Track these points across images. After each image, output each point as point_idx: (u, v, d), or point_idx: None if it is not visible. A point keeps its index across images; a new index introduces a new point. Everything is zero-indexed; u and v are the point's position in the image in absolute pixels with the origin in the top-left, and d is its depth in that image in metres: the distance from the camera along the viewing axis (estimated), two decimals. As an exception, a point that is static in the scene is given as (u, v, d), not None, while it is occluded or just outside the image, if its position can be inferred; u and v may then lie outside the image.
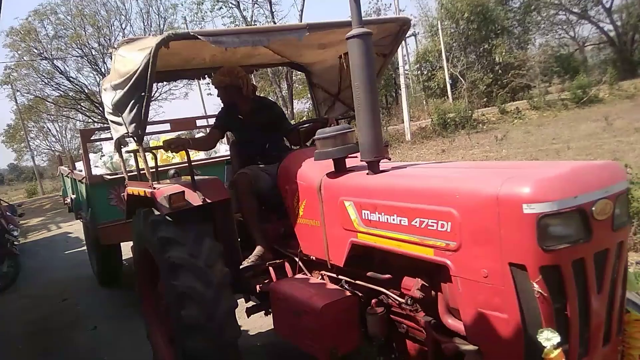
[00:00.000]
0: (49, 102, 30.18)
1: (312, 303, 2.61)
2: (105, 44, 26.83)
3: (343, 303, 2.61)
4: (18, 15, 28.70)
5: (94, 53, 26.72)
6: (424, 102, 36.86)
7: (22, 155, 40.43)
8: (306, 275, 3.20)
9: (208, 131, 4.33)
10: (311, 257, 3.13)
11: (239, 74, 3.80)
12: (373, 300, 2.59)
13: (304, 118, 24.15)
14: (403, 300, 2.38)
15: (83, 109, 27.64)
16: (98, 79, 27.80)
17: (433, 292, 2.27)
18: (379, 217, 2.36)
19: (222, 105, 4.01)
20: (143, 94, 3.14)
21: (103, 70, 27.11)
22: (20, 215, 10.04)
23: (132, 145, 3.80)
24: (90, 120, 28.79)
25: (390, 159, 3.00)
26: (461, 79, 31.59)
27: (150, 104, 3.21)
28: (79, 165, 6.90)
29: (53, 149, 38.74)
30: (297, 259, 3.26)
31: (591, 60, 40.64)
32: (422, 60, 38.06)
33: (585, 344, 1.86)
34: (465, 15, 31.87)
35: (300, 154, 3.29)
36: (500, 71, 31.27)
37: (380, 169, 2.52)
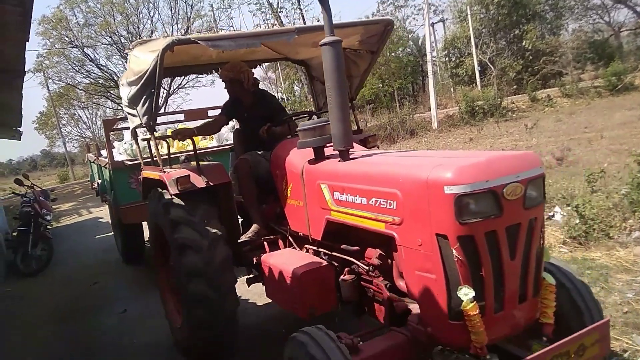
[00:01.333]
0: (79, 89, 30.75)
1: (294, 271, 3.06)
2: (134, 31, 27.12)
3: (320, 271, 3.08)
4: (50, 3, 29.30)
5: (122, 41, 27.04)
6: (452, 90, 36.34)
7: (54, 142, 41.49)
8: (294, 248, 3.67)
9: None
10: (298, 233, 3.59)
11: (242, 69, 4.24)
12: (346, 269, 3.05)
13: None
14: (367, 268, 2.90)
15: (112, 96, 28.03)
16: (126, 67, 28.12)
17: (389, 260, 2.75)
18: (346, 198, 2.85)
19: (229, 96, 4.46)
20: (153, 90, 3.62)
21: (132, 58, 27.40)
22: (52, 200, 10.31)
23: (146, 134, 4.24)
24: (119, 107, 29.26)
25: (378, 147, 3.80)
26: (490, 65, 30.91)
27: (161, 97, 3.61)
28: (104, 152, 7.34)
29: (84, 135, 39.62)
30: (287, 235, 3.75)
31: (627, 46, 39.14)
32: (450, 47, 37.36)
33: (501, 301, 2.27)
34: (496, 0, 31.08)
35: (288, 143, 3.72)
36: (531, 58, 30.46)
37: (350, 156, 2.98)
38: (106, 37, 26.81)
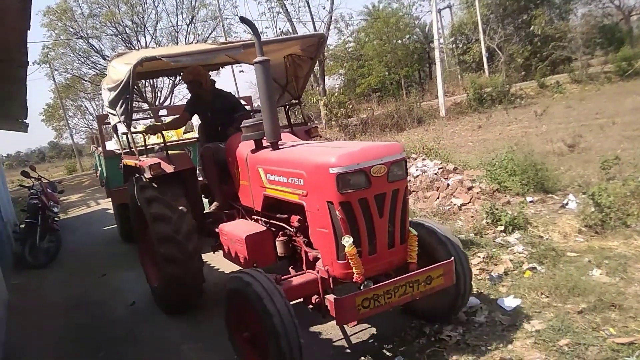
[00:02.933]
0: (85, 80, 30.68)
1: (240, 235, 3.94)
2: (139, 22, 26.97)
3: (260, 234, 3.94)
4: (54, -6, 29.17)
5: (127, 31, 26.92)
6: (459, 77, 35.96)
7: (62, 134, 41.49)
8: (246, 219, 4.59)
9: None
10: (247, 206, 4.50)
11: (200, 72, 5.05)
12: (280, 232, 3.97)
13: (335, 94, 23.86)
14: (292, 230, 3.82)
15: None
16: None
17: (305, 223, 3.56)
18: (274, 178, 3.79)
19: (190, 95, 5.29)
20: (128, 95, 4.57)
21: (137, 48, 27.32)
22: (60, 192, 10.29)
23: (124, 129, 5.08)
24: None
25: (320, 137, 5.09)
26: (498, 51, 30.51)
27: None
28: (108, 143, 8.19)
29: (90, 126, 39.56)
30: (240, 209, 4.66)
31: (637, 30, 38.40)
32: (457, 33, 36.93)
33: (374, 246, 3.24)
34: (504, -16, 30.62)
35: (237, 136, 4.43)
36: (539, 43, 30.00)
37: (280, 147, 3.89)
38: (111, 28, 26.69)
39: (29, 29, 3.09)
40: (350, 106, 21.42)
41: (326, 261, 3.34)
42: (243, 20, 3.97)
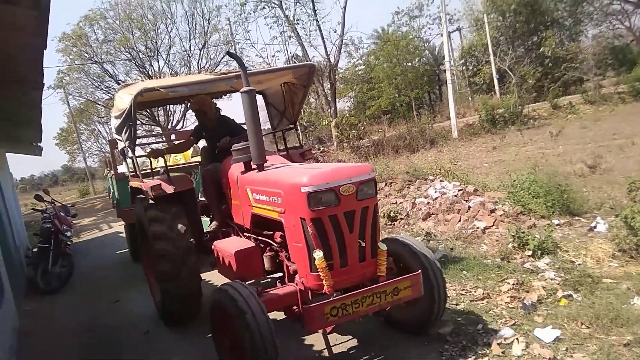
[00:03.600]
0: (99, 105, 31.02)
1: (230, 250, 4.20)
2: (152, 46, 27.32)
3: (248, 250, 4.18)
4: (70, 21, 29.58)
5: (141, 56, 27.25)
6: (470, 98, 35.89)
7: (75, 157, 41.69)
8: (239, 237, 4.82)
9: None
10: (239, 224, 4.77)
11: (205, 102, 5.46)
12: (267, 248, 4.22)
13: (346, 116, 23.84)
14: (276, 246, 4.08)
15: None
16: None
17: (286, 239, 3.77)
18: (259, 197, 4.07)
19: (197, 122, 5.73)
20: (131, 123, 4.95)
21: (150, 73, 27.63)
22: (73, 215, 10.23)
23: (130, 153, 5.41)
24: (138, 122, 29.40)
25: (315, 159, 5.75)
26: (510, 73, 30.46)
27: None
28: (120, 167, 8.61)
29: (103, 150, 39.77)
30: (235, 227, 4.95)
31: (649, 51, 38.37)
32: (467, 55, 37.01)
33: (345, 260, 3.47)
34: (513, 7, 30.69)
35: (230, 159, 4.61)
36: (550, 65, 29.92)
37: (266, 168, 4.19)
38: (125, 53, 27.05)
39: (45, 49, 3.00)
40: (362, 127, 21.34)
41: (301, 273, 3.62)
42: (230, 54, 4.52)
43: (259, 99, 5.54)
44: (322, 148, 20.86)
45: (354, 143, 20.38)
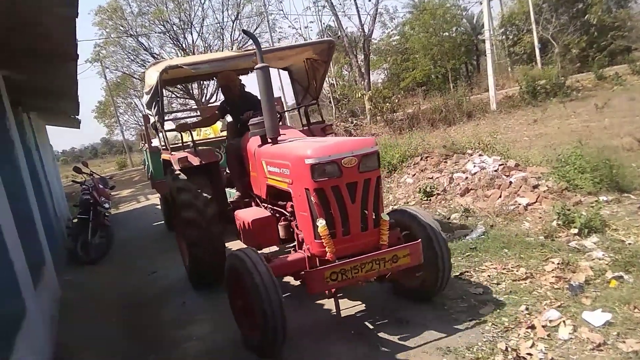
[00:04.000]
0: (135, 78, 31.39)
1: (248, 219, 4.50)
2: (186, 19, 27.30)
3: (264, 219, 4.47)
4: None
5: (175, 29, 27.31)
6: (509, 69, 34.67)
7: (113, 130, 42.55)
8: (258, 206, 5.10)
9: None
10: (258, 195, 5.06)
11: (230, 78, 5.68)
12: (282, 217, 4.44)
13: (384, 89, 23.40)
14: (289, 215, 4.28)
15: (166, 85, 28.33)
16: (180, 55, 28.45)
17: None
18: (272, 169, 4.28)
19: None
20: (158, 98, 5.49)
21: (184, 46, 27.71)
22: (111, 187, 10.40)
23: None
24: (173, 95, 29.67)
25: (334, 134, 6.37)
26: (552, 42, 29.15)
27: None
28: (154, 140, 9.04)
29: (140, 123, 40.41)
30: (255, 197, 5.23)
31: None
32: (507, 24, 35.60)
33: (348, 229, 3.62)
34: (557, -28, 29.23)
35: (249, 134, 4.90)
36: (596, 33, 28.49)
37: (279, 142, 4.38)
38: (159, 26, 27.15)
39: (76, 17, 2.92)
40: (397, 100, 20.90)
41: (307, 241, 3.84)
42: (245, 32, 4.79)
43: (285, 75, 6.31)
44: (355, 121, 20.49)
45: (387, 116, 20.02)
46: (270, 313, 3.30)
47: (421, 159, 9.06)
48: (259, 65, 4.19)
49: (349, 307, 4.39)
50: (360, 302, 4.45)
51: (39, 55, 4.15)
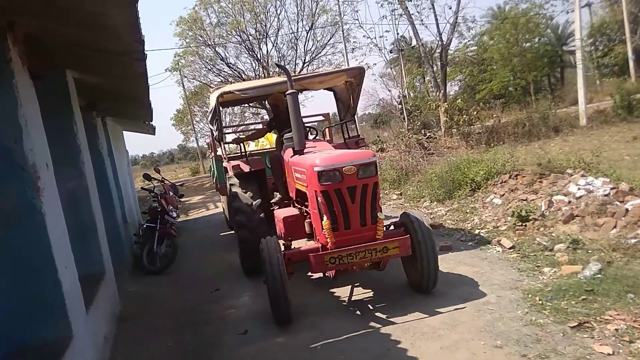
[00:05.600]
0: (211, 87, 32.06)
1: (280, 217, 5.53)
2: (261, 30, 27.52)
3: (293, 217, 5.41)
4: (187, 4, 30.91)
5: (250, 39, 27.59)
6: (597, 82, 32.25)
7: (189, 137, 43.94)
8: (293, 207, 5.90)
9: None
10: (291, 197, 5.91)
11: (278, 99, 6.70)
12: (308, 215, 5.19)
13: (459, 100, 22.29)
14: (310, 212, 5.01)
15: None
16: (254, 65, 28.73)
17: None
18: (298, 175, 5.20)
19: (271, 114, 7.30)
20: (217, 117, 6.78)
21: (259, 56, 27.96)
22: (180, 196, 10.28)
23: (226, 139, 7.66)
24: (245, 105, 30.01)
25: (366, 147, 7.39)
26: (650, 53, 26.70)
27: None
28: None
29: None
30: (292, 199, 5.98)
31: None
32: (597, 34, 33.17)
33: (349, 224, 4.52)
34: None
35: (289, 147, 5.81)
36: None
37: (305, 153, 5.22)
38: (235, 37, 27.53)
39: (136, 2, 2.50)
40: (475, 113, 19.72)
41: (317, 233, 4.82)
42: (278, 65, 6.23)
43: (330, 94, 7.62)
44: (427, 134, 19.46)
45: (463, 129, 18.90)
46: (274, 289, 4.43)
47: (510, 177, 8.15)
48: (289, 91, 5.22)
49: (360, 293, 5.33)
50: (370, 290, 5.38)
51: (106, 52, 3.85)
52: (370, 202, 4.50)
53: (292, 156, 5.46)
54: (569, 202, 6.23)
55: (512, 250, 5.77)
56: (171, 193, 11.32)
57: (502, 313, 4.18)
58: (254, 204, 6.12)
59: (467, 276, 5.23)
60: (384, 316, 4.56)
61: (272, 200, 6.37)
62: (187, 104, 36.53)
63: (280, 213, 5.65)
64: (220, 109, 6.81)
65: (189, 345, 4.64)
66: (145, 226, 8.15)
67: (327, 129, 8.61)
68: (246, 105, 29.58)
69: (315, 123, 8.78)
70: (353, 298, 5.18)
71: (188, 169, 39.51)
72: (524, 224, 6.29)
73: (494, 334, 3.83)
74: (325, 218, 4.41)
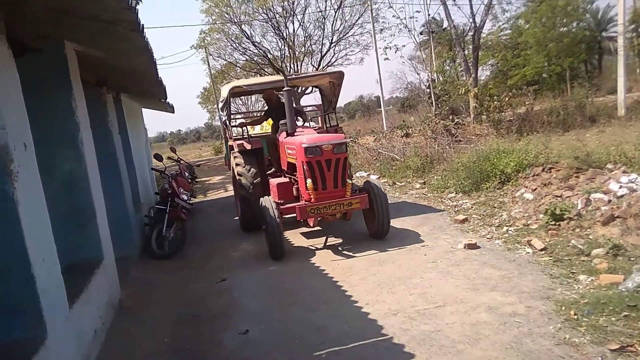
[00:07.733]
0: (238, 66, 31.67)
1: (274, 183, 7.40)
2: (288, 8, 26.90)
3: (284, 183, 7.27)
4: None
5: (277, 17, 27.02)
6: (638, 70, 30.68)
7: (214, 116, 43.83)
8: (284, 176, 7.72)
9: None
10: (283, 169, 7.79)
11: (271, 94, 8.82)
12: (295, 183, 7.06)
13: (489, 85, 21.40)
14: (297, 181, 6.88)
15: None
16: (280, 44, 28.22)
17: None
18: (289, 151, 7.14)
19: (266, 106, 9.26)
20: (227, 106, 9.00)
21: (285, 35, 27.42)
22: (194, 178, 9.99)
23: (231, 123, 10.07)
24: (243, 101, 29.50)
25: (344, 134, 7.89)
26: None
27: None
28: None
29: (239, 110, 41.19)
30: (285, 171, 7.74)
31: None
32: (640, 19, 31.40)
33: (326, 186, 6.42)
34: None
35: (281, 130, 7.84)
36: None
37: (295, 135, 7.16)
38: (262, 14, 26.99)
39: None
40: (507, 99, 18.82)
41: (302, 193, 6.57)
42: (278, 69, 8.14)
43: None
44: (455, 119, 18.63)
45: (494, 116, 18.06)
46: (272, 232, 6.26)
47: (543, 170, 7.57)
48: (285, 88, 7.23)
49: (335, 242, 7.13)
50: (340, 238, 7.23)
51: (98, 20, 3.45)
52: (342, 170, 6.40)
53: (285, 137, 7.32)
54: (609, 201, 5.66)
55: (543, 252, 5.27)
56: (187, 174, 11.03)
57: (532, 328, 3.72)
58: (252, 171, 7.83)
59: (493, 280, 4.77)
60: (350, 253, 6.39)
61: (268, 172, 8.27)
62: (212, 82, 36.24)
63: (274, 180, 7.53)
64: (231, 99, 8.86)
65: (185, 344, 4.31)
66: (156, 208, 7.87)
67: (319, 117, 10.53)
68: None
69: (310, 109, 11.36)
70: (328, 243, 7.05)
71: (212, 148, 39.48)
72: (557, 224, 5.75)
73: (521, 353, 3.38)
74: (309, 181, 6.27)
